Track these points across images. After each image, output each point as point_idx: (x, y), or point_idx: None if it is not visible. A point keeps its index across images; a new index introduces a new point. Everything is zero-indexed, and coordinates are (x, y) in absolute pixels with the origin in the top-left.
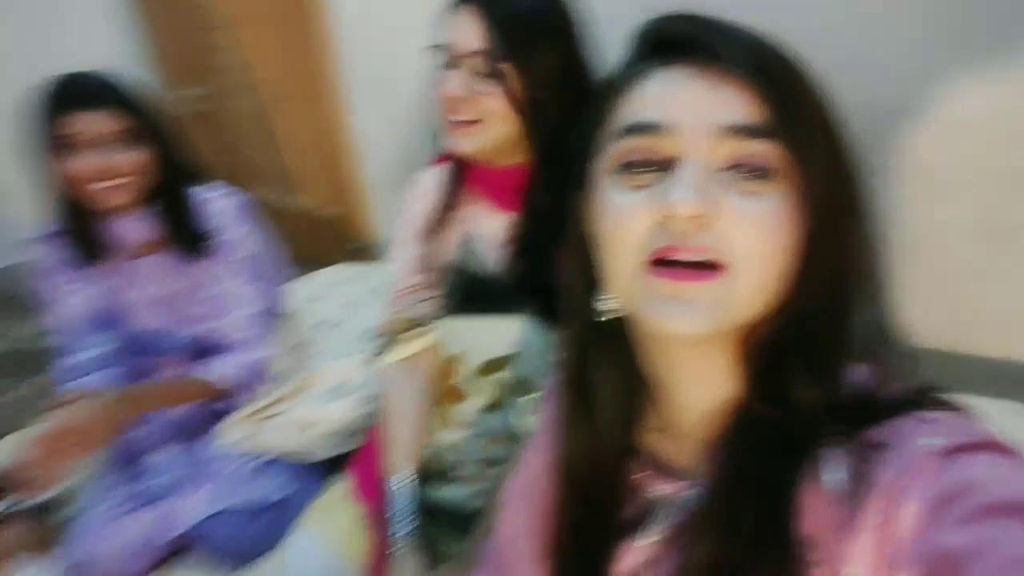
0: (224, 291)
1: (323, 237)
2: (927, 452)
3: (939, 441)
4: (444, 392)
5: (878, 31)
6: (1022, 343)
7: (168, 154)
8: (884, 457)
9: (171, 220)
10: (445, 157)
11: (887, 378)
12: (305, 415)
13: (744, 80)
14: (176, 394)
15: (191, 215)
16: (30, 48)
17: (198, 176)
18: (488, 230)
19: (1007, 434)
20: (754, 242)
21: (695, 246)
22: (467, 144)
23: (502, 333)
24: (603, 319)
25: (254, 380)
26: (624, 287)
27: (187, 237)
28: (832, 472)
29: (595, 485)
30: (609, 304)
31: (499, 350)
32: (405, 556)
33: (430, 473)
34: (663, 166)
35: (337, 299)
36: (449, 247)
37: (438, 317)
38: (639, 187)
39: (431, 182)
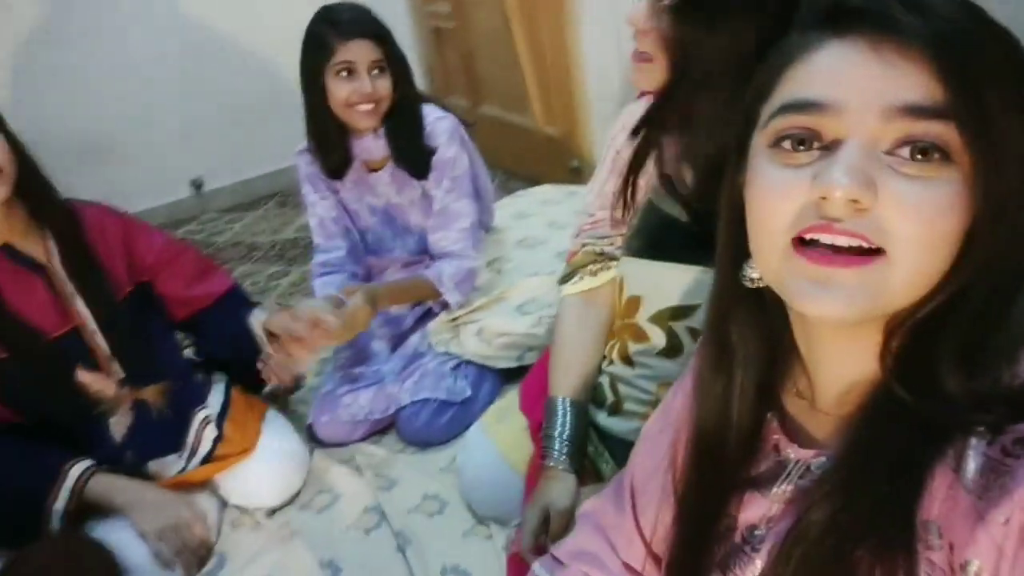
0: (443, 206)
1: (547, 155)
2: None
3: None
4: (625, 328)
5: None
6: None
7: (405, 80)
8: None
9: (401, 140)
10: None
11: None
12: (496, 325)
13: (924, 56)
14: (409, 292)
15: (417, 137)
16: None
17: (423, 98)
18: (680, 174)
19: None
20: (915, 229)
21: (849, 230)
22: (643, 79)
23: (689, 282)
24: (750, 286)
25: (466, 286)
26: (770, 263)
27: (412, 156)
28: (969, 461)
29: (724, 442)
30: (755, 274)
31: (687, 299)
32: (561, 470)
33: (600, 400)
34: (825, 145)
35: (543, 218)
36: (647, 186)
37: (625, 254)
38: (797, 165)
39: (637, 114)
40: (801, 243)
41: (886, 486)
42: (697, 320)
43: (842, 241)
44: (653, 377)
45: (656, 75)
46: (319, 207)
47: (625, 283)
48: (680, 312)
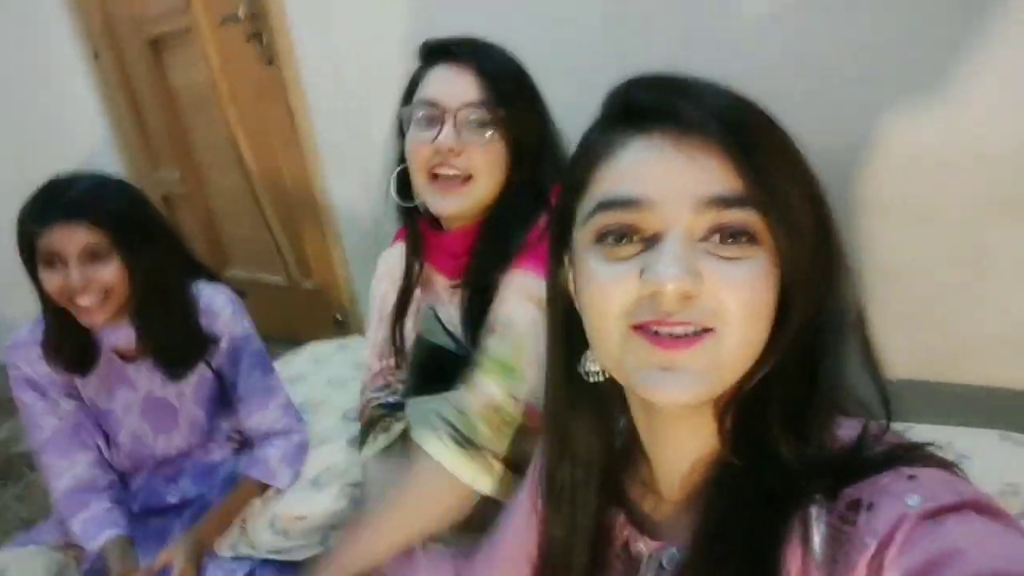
0: (250, 387)
1: (308, 311)
2: (909, 514)
3: (921, 502)
4: None
5: (829, 67)
6: (1003, 369)
7: (155, 261)
8: (864, 518)
9: (156, 333)
10: (404, 230)
11: (874, 432)
12: (291, 509)
13: (719, 148)
14: (235, 510)
15: (178, 325)
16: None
17: (196, 272)
18: (448, 307)
19: (993, 461)
20: (738, 306)
21: (682, 320)
22: (455, 203)
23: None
24: (588, 380)
25: (298, 463)
26: (611, 351)
27: (173, 350)
28: (814, 534)
29: (572, 547)
30: (595, 367)
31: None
32: None
33: None
34: (645, 238)
35: (319, 378)
36: (415, 327)
37: (407, 397)
38: (623, 258)
39: (393, 261)
40: (640, 329)
41: (743, 573)
42: None
43: (679, 330)
44: None
45: (475, 193)
46: (50, 416)
47: (412, 427)
48: None
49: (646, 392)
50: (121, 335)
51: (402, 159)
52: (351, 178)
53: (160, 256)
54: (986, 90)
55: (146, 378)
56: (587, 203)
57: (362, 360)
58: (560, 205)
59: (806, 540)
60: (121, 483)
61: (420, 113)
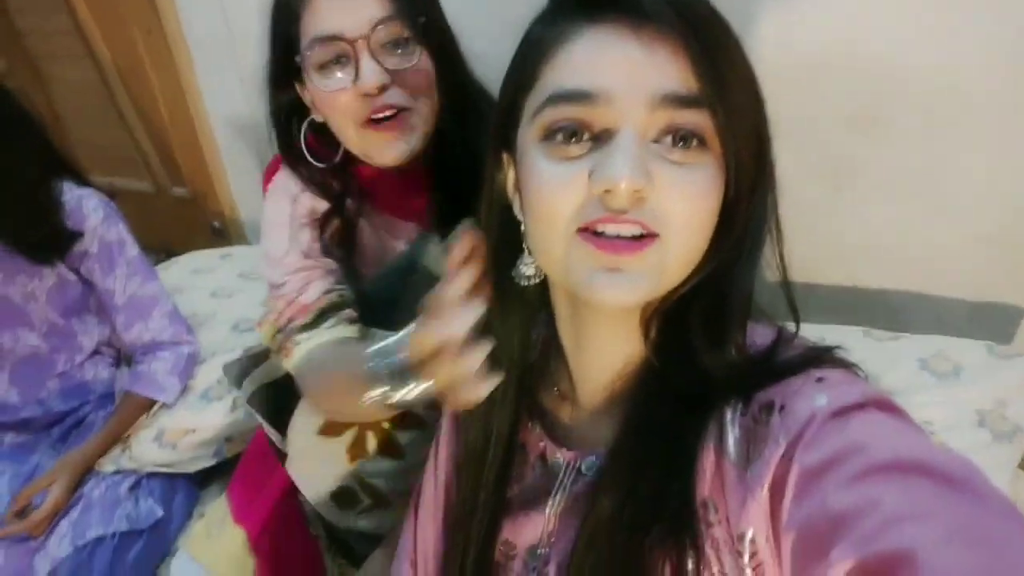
0: (130, 296)
1: (181, 219)
2: (817, 413)
3: (829, 401)
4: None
5: None
6: (863, 272)
7: (12, 150)
8: (777, 419)
9: (10, 223)
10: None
11: (786, 337)
12: (179, 422)
13: (678, 45)
14: (118, 431)
15: (46, 219)
16: None
17: (61, 170)
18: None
19: (857, 355)
20: (686, 212)
21: (631, 218)
22: (403, 146)
23: None
24: (524, 284)
25: (186, 375)
26: (554, 254)
27: (36, 243)
28: (728, 434)
29: (485, 456)
30: (530, 271)
31: None
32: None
33: (353, 504)
34: (595, 136)
35: (202, 291)
36: (369, 255)
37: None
38: (571, 158)
39: (294, 190)
40: (587, 232)
41: (661, 472)
42: None
43: (626, 230)
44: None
45: (417, 129)
46: None
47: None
48: None
49: (590, 292)
50: None
51: (293, 112)
52: (225, 71)
53: (24, 143)
54: (854, 4)
55: None
56: (536, 97)
57: (249, 271)
58: (503, 101)
59: (721, 440)
60: None
61: (320, 54)
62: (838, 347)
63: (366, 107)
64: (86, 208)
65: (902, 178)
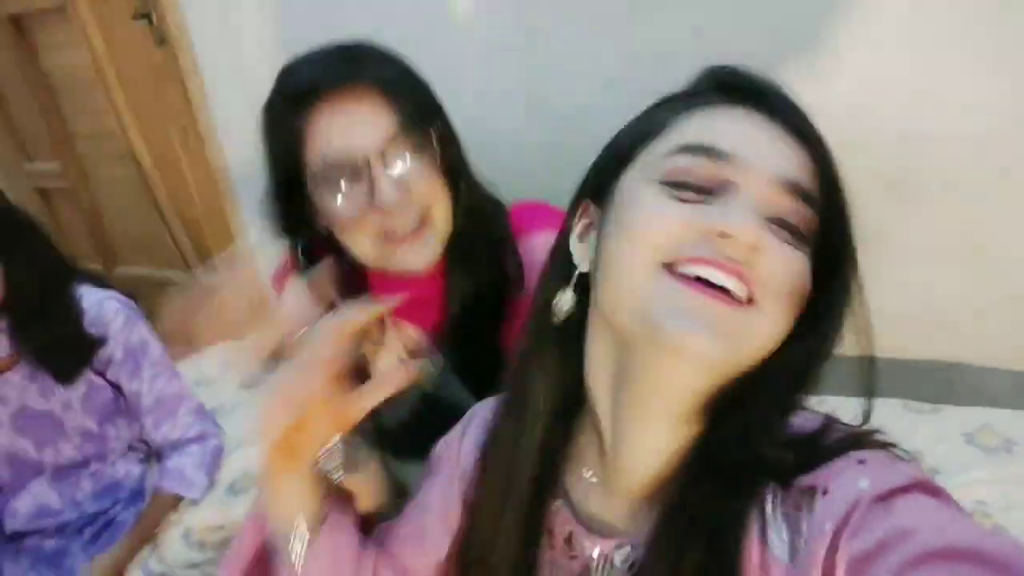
0: (157, 396)
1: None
2: (861, 498)
3: (872, 484)
4: None
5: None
6: (902, 342)
7: (29, 261)
8: (820, 505)
9: (36, 337)
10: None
11: (828, 420)
12: (206, 519)
13: (799, 143)
14: (148, 531)
15: (63, 327)
16: None
17: (79, 278)
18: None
19: (898, 429)
20: (785, 289)
21: (735, 268)
22: (425, 255)
23: None
24: (558, 318)
25: (215, 469)
26: (632, 288)
27: (58, 354)
28: (771, 527)
29: (506, 516)
30: (567, 305)
31: None
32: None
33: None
34: (715, 191)
35: (231, 381)
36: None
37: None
38: (683, 200)
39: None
40: (673, 271)
41: (706, 571)
42: None
43: (721, 278)
44: None
45: (436, 234)
46: None
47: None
48: None
49: (664, 324)
50: None
51: (300, 224)
52: (258, 167)
53: (34, 257)
54: (861, 63)
55: (18, 391)
56: (662, 144)
57: None
58: (611, 150)
59: (764, 532)
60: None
61: (332, 174)
62: (879, 430)
63: (385, 222)
64: (107, 313)
65: (938, 242)
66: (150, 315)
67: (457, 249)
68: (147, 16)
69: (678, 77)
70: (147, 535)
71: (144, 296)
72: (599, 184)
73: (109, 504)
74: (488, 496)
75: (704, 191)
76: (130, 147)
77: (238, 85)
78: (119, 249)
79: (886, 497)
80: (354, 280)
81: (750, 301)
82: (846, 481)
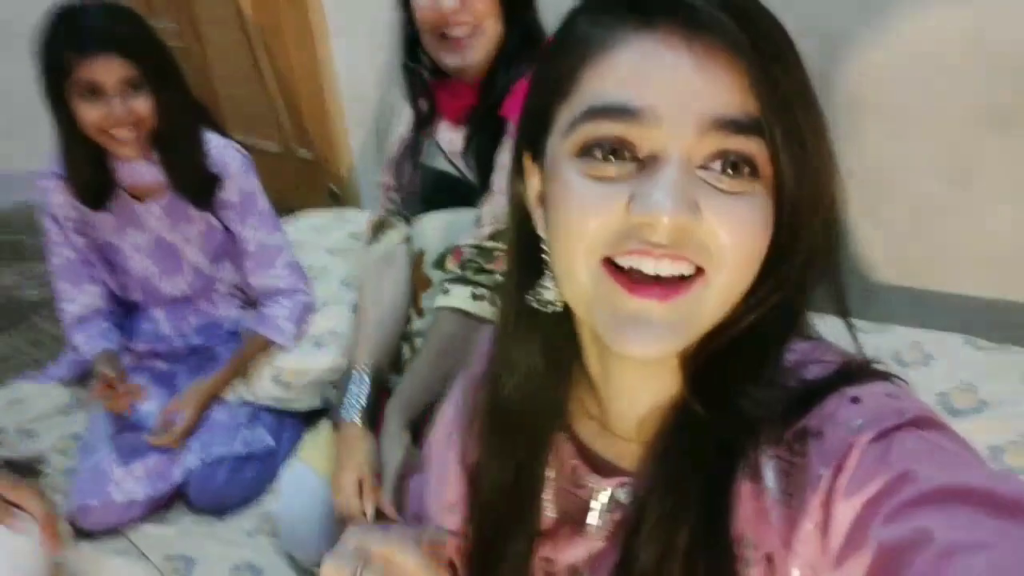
0: (259, 244)
1: (302, 180)
2: (855, 440)
3: (865, 424)
4: (416, 281)
5: None
6: (973, 279)
7: (177, 94)
8: (816, 448)
9: (180, 166)
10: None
11: (817, 350)
12: (293, 364)
13: (739, 64)
14: (241, 367)
15: (199, 162)
16: None
17: (205, 119)
18: (450, 140)
19: (956, 362)
20: (736, 246)
21: (671, 253)
22: (467, 56)
23: (462, 223)
24: (541, 309)
25: (303, 323)
26: (579, 285)
27: (194, 183)
28: (764, 469)
29: (515, 467)
30: (550, 296)
31: (459, 238)
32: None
33: (401, 367)
34: (637, 158)
35: (319, 246)
36: (421, 156)
37: (411, 214)
38: (610, 179)
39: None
40: (615, 266)
41: (701, 513)
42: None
43: (667, 268)
44: None
45: (483, 42)
46: (65, 246)
47: (413, 242)
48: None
49: (614, 343)
50: (137, 171)
51: (407, 22)
52: (357, 43)
53: (179, 94)
54: None
55: (155, 220)
56: (572, 106)
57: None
58: (533, 102)
59: (756, 476)
60: (126, 319)
61: None
62: (874, 359)
63: (443, 22)
64: (228, 158)
65: None
66: None
67: (495, 66)
68: None
69: None
70: (241, 370)
71: None
72: (533, 139)
73: (209, 340)
74: (497, 435)
75: (627, 158)
76: (238, 11)
77: None
78: (224, 113)
79: (880, 437)
80: (423, 86)
81: (699, 271)
82: (839, 421)
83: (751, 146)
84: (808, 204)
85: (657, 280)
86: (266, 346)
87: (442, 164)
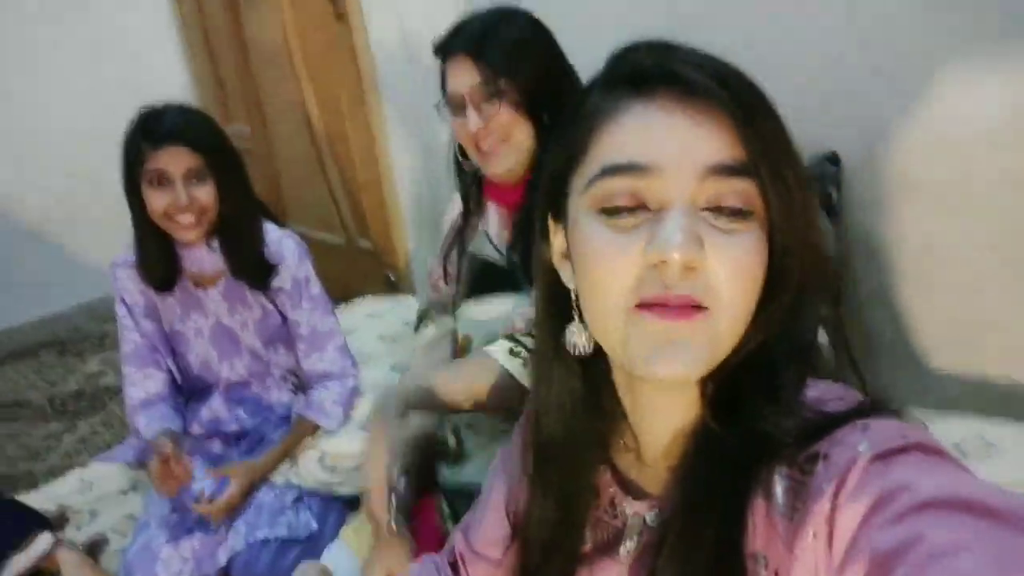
0: (311, 328)
1: (362, 269)
2: (859, 458)
3: (871, 447)
4: None
5: (872, 30)
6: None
7: (238, 187)
8: (821, 467)
9: (239, 251)
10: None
11: (837, 392)
12: (339, 448)
13: (723, 114)
14: (289, 449)
15: (257, 248)
16: (90, 72)
17: (263, 211)
18: (499, 229)
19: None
20: (734, 283)
21: (684, 292)
22: (500, 164)
23: (505, 310)
24: (573, 353)
25: (349, 407)
26: (611, 330)
27: (252, 268)
28: (776, 487)
29: (562, 503)
30: (580, 340)
31: (504, 325)
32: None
33: (443, 452)
34: (649, 209)
35: (371, 332)
36: (470, 243)
37: (457, 303)
38: (623, 229)
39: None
40: (641, 307)
41: (719, 532)
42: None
43: (677, 302)
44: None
45: (513, 152)
46: (135, 331)
47: (459, 330)
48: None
49: (649, 370)
50: (199, 257)
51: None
52: (413, 142)
53: (240, 186)
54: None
55: (216, 305)
56: (588, 167)
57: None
58: (551, 171)
59: (769, 494)
60: (186, 405)
61: (449, 105)
62: (888, 399)
63: (475, 139)
64: (284, 247)
65: None
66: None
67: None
68: None
69: None
70: (288, 453)
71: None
72: (554, 203)
73: (261, 423)
74: (542, 471)
75: (638, 209)
76: (307, 119)
77: (403, 61)
78: (290, 211)
79: (883, 457)
80: (477, 184)
81: (704, 309)
82: (846, 444)
83: (744, 187)
84: (796, 236)
85: (676, 309)
86: (314, 429)
87: (490, 253)
